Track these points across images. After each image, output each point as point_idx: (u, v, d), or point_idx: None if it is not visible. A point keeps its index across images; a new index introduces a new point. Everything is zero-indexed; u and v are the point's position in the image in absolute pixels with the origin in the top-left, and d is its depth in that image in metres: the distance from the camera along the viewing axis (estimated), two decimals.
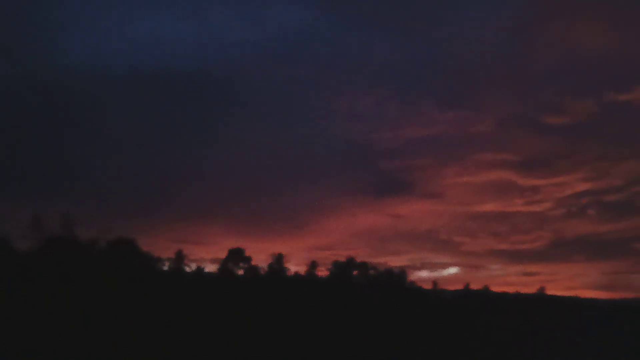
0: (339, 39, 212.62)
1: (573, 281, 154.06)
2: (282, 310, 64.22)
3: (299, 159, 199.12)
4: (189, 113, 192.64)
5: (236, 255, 79.28)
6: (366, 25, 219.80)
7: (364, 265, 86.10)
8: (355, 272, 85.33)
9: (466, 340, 62.47)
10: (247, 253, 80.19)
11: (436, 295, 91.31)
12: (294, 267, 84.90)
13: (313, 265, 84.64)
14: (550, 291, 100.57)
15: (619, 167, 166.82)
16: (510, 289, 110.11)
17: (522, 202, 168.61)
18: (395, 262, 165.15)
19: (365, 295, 79.11)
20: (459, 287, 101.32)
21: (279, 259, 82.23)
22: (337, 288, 79.07)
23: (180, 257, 74.71)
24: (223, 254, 78.99)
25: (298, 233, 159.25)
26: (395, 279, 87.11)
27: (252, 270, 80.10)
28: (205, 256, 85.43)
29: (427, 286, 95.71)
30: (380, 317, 68.10)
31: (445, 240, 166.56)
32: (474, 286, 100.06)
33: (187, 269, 75.03)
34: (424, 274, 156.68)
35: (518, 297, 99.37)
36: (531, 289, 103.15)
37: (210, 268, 78.83)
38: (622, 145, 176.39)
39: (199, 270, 77.10)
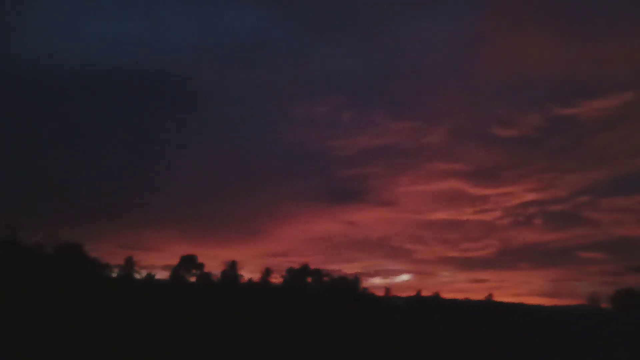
0: (295, 46, 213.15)
1: (519, 288, 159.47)
2: (235, 317, 63.59)
3: (254, 164, 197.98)
4: (142, 115, 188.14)
5: (188, 261, 78.18)
6: (323, 34, 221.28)
7: (318, 272, 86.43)
8: (309, 279, 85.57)
9: (417, 346, 63.52)
10: (200, 260, 79.74)
11: (389, 302, 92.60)
12: (248, 274, 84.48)
13: (267, 272, 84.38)
14: (498, 298, 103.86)
15: (563, 178, 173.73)
16: (460, 296, 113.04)
17: (472, 211, 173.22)
18: (349, 269, 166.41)
19: (319, 302, 79.40)
20: (411, 293, 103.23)
21: (232, 266, 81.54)
22: (291, 295, 79.01)
23: (130, 264, 73.07)
24: (175, 261, 78.35)
25: (252, 239, 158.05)
26: (349, 286, 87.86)
27: (205, 277, 79.13)
28: (157, 263, 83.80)
29: (380, 293, 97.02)
30: (334, 324, 68.42)
31: (398, 247, 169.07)
32: (426, 293, 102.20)
33: (137, 276, 73.53)
34: (377, 280, 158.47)
35: (467, 304, 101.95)
36: (480, 296, 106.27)
37: (162, 275, 77.63)
38: (566, 158, 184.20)
39: (150, 277, 75.59)
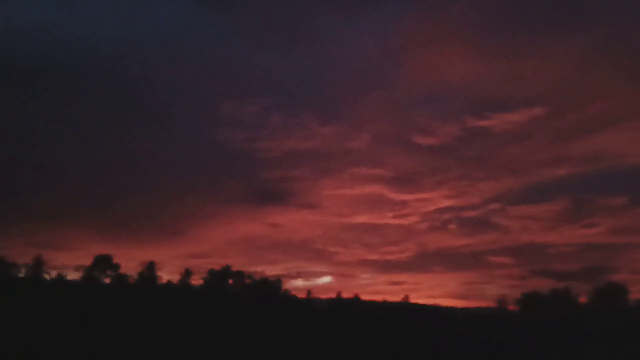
0: (224, 45, 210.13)
1: (434, 290, 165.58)
2: (151, 320, 61.74)
3: (177, 162, 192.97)
4: (59, 108, 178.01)
5: (103, 262, 75.30)
6: (253, 35, 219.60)
7: (239, 274, 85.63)
8: (230, 281, 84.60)
9: (337, 348, 64.45)
10: (116, 260, 77.29)
11: (309, 304, 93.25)
12: (167, 275, 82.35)
13: (187, 273, 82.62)
14: (414, 299, 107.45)
15: (476, 186, 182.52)
16: (378, 298, 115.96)
17: (392, 215, 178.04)
18: (271, 271, 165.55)
19: (240, 304, 78.67)
20: (332, 295, 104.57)
21: (150, 267, 79.25)
22: (211, 297, 77.73)
23: (38, 263, 69.48)
24: (88, 261, 75.42)
25: (173, 240, 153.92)
26: (271, 288, 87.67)
27: (120, 278, 76.40)
28: (68, 263, 79.93)
29: (302, 295, 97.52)
30: (255, 326, 68.00)
31: (320, 250, 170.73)
32: (346, 295, 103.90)
33: (47, 277, 69.97)
34: (299, 282, 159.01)
35: (385, 305, 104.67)
36: (397, 298, 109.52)
37: (74, 275, 74.28)
38: (479, 167, 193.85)
39: (61, 277, 72.06)
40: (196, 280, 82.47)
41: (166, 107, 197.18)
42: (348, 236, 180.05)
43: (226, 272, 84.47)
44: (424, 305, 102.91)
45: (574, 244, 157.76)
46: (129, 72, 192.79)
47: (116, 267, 76.29)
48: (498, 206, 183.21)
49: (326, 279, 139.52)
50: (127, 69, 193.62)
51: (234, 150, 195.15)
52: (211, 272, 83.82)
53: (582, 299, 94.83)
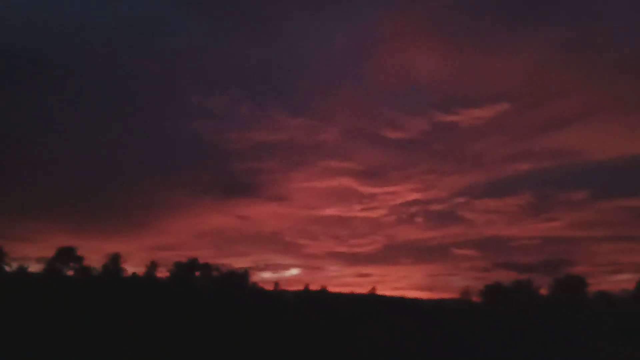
0: (193, 35, 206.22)
1: (400, 282, 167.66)
2: (116, 313, 60.89)
3: (143, 153, 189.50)
4: (19, 97, 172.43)
5: (66, 254, 73.95)
6: (222, 24, 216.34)
7: (206, 267, 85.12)
8: (197, 273, 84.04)
9: (303, 340, 64.76)
10: (79, 252, 76.00)
11: (277, 296, 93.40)
12: (132, 267, 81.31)
13: (153, 265, 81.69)
14: (380, 291, 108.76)
15: (443, 180, 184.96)
16: (346, 290, 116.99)
17: (360, 208, 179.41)
18: (239, 263, 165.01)
19: (207, 296, 78.25)
20: (299, 288, 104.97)
21: (115, 259, 78.13)
22: (177, 289, 77.09)
23: None
24: (51, 253, 73.93)
25: (139, 232, 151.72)
26: (238, 280, 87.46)
27: (84, 270, 75.14)
28: (30, 254, 78.14)
29: (269, 287, 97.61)
30: (221, 318, 67.79)
31: (289, 242, 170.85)
32: (313, 287, 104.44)
33: (7, 268, 68.39)
34: (266, 275, 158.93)
35: (352, 297, 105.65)
36: (364, 290, 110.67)
37: (35, 268, 72.73)
38: (446, 161, 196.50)
39: (22, 269, 70.49)
40: (162, 273, 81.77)
41: (133, 98, 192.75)
42: (316, 229, 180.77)
43: (193, 264, 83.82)
44: (390, 297, 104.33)
45: (536, 237, 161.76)
46: (95, 63, 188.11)
47: (80, 259, 75.08)
48: (464, 200, 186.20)
49: (294, 271, 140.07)
50: (93, 60, 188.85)
51: (202, 141, 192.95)
52: (177, 265, 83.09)
53: (543, 291, 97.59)
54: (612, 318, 69.82)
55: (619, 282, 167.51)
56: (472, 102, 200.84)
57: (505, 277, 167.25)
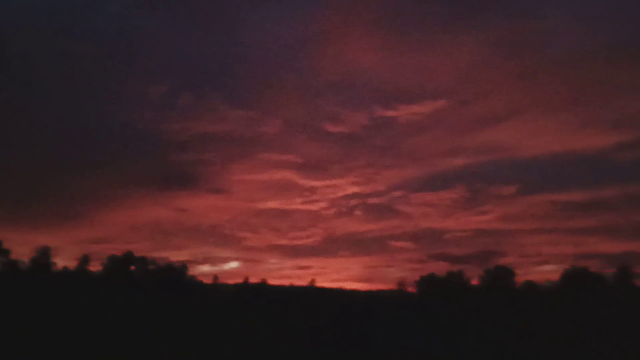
0: (130, 20, 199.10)
1: (339, 274, 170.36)
2: (44, 309, 58.41)
3: (77, 143, 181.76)
4: None
5: None
6: (163, 12, 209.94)
7: (142, 260, 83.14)
8: (132, 267, 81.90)
9: (242, 333, 64.56)
10: (6, 245, 73.09)
11: (216, 289, 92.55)
12: (63, 261, 78.44)
13: (85, 259, 79.02)
14: (320, 283, 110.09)
15: (382, 174, 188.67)
16: (285, 282, 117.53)
17: (301, 201, 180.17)
18: (177, 256, 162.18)
19: (143, 290, 76.46)
20: (239, 281, 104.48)
21: (44, 253, 75.07)
22: (111, 284, 74.83)
23: None
24: None
25: (70, 224, 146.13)
26: (176, 274, 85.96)
27: (11, 264, 71.86)
28: None
29: (208, 280, 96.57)
30: (158, 312, 66.44)
31: (229, 235, 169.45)
32: (253, 280, 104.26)
33: None
34: (205, 268, 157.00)
35: (291, 290, 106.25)
36: (304, 282, 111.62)
37: None
38: (385, 156, 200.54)
39: None
40: (95, 267, 79.26)
41: (65, 84, 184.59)
42: (257, 221, 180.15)
43: (128, 258, 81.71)
44: (329, 289, 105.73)
45: (468, 229, 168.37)
46: (22, 46, 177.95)
47: (6, 252, 72.02)
48: (401, 193, 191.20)
49: (233, 264, 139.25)
50: (26, 44, 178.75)
51: (139, 131, 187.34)
52: (111, 258, 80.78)
53: (474, 281, 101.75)
54: (538, 308, 73.75)
55: (545, 273, 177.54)
56: (411, 98, 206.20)
57: (439, 268, 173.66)
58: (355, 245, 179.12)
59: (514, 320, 63.35)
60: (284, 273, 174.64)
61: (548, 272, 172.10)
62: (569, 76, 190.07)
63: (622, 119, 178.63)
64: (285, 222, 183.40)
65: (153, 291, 75.87)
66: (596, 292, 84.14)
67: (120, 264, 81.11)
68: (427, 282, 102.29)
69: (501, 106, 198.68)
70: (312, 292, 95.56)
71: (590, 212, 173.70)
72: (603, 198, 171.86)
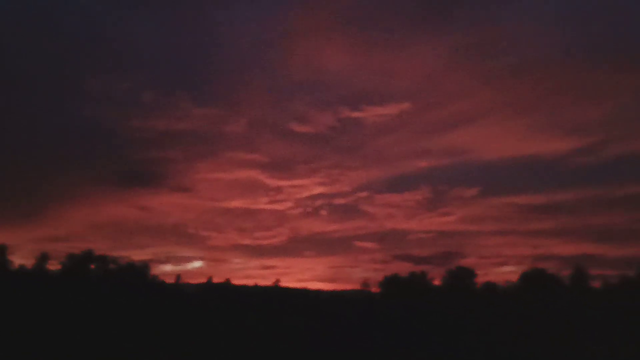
0: (94, 15, 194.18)
1: (304, 274, 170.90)
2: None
3: (36, 139, 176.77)
4: None
5: None
6: (129, 7, 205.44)
7: (103, 259, 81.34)
8: (92, 266, 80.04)
9: (205, 333, 63.81)
10: None
11: (178, 288, 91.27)
12: (20, 260, 76.13)
13: (43, 257, 76.81)
14: (284, 283, 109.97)
15: (347, 175, 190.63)
16: (250, 282, 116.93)
17: (267, 200, 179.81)
18: (139, 255, 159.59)
19: (102, 290, 74.73)
20: (202, 280, 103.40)
21: (1, 251, 72.61)
22: (69, 283, 72.89)
23: None
24: None
25: (28, 222, 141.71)
26: (137, 273, 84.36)
27: None
28: None
29: (170, 280, 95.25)
30: (118, 312, 65.02)
31: (192, 234, 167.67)
32: (217, 279, 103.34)
33: None
34: (168, 267, 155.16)
35: (256, 289, 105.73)
36: (268, 282, 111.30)
37: None
38: (351, 157, 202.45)
39: None
40: (54, 266, 77.16)
41: (26, 81, 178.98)
42: (221, 221, 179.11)
43: (88, 256, 79.85)
44: (293, 289, 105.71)
45: (431, 230, 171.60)
46: None
47: None
48: (366, 194, 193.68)
49: (197, 264, 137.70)
50: None
51: (102, 127, 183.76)
52: (71, 257, 78.84)
53: (436, 282, 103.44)
54: (497, 308, 75.44)
55: (504, 274, 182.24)
56: (377, 99, 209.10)
57: (403, 268, 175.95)
58: (320, 245, 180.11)
59: (475, 320, 64.73)
60: (248, 273, 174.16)
61: (507, 273, 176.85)
62: (531, 82, 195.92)
63: (579, 125, 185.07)
64: (250, 222, 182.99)
65: (113, 290, 74.31)
66: (553, 292, 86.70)
67: (80, 263, 79.20)
68: (391, 282, 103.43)
69: (465, 110, 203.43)
70: (276, 292, 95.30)
71: (548, 215, 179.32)
72: (560, 201, 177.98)
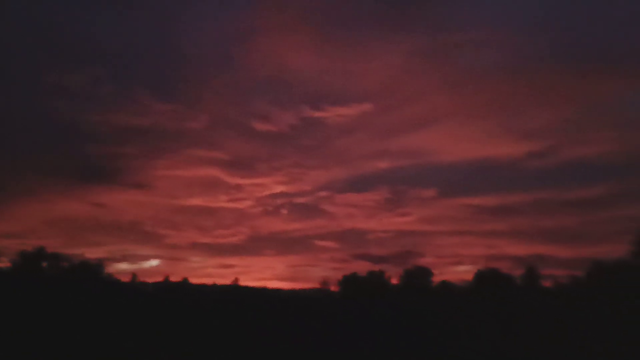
0: (48, 3, 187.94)
1: (263, 273, 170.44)
2: None
3: None
4: None
5: None
6: None
7: (55, 257, 78.91)
8: (44, 264, 77.53)
9: (162, 331, 62.78)
10: None
11: (134, 287, 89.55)
12: None
13: None
14: (243, 282, 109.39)
15: (308, 174, 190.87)
16: (208, 281, 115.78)
17: (227, 199, 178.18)
18: (93, 253, 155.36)
19: (56, 288, 72.55)
20: (159, 279, 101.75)
21: None
22: (20, 281, 70.45)
23: None
24: None
25: None
26: (91, 272, 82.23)
27: None
28: None
29: (126, 279, 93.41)
30: (70, 312, 63.27)
31: (150, 232, 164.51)
32: (174, 278, 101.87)
33: None
34: (123, 266, 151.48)
35: (214, 288, 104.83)
36: (227, 281, 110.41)
37: None
38: (312, 156, 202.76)
39: None
40: (3, 263, 74.46)
41: None
42: (180, 219, 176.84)
43: (39, 254, 77.31)
44: (252, 288, 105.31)
45: (390, 230, 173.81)
46: None
47: None
48: (327, 194, 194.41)
49: (154, 262, 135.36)
50: None
51: (56, 121, 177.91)
52: (22, 254, 76.17)
53: (394, 281, 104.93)
54: (452, 307, 77.09)
55: (459, 273, 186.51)
56: (339, 100, 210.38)
57: (362, 267, 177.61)
58: (280, 244, 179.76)
59: (432, 318, 65.97)
60: (206, 272, 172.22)
61: (463, 273, 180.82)
62: (487, 87, 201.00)
63: (533, 129, 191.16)
64: (209, 220, 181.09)
65: (66, 289, 72.24)
66: (506, 292, 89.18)
67: (31, 261, 76.59)
68: (350, 281, 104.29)
69: (424, 112, 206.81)
70: (235, 291, 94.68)
71: (502, 216, 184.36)
72: (513, 203, 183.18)
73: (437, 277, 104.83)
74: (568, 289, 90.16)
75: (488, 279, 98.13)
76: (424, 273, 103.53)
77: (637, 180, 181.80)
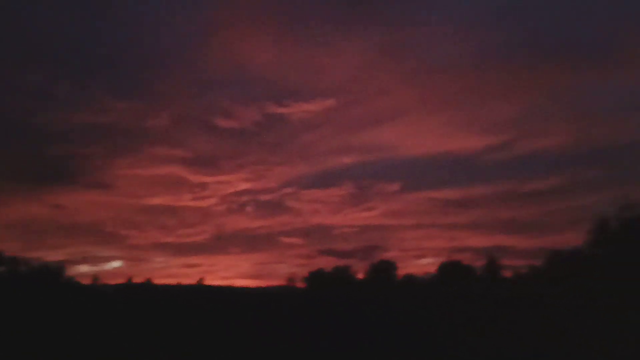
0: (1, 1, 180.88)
1: (228, 271, 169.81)
2: None
3: None
4: None
5: None
6: None
7: (12, 260, 76.69)
8: (1, 269, 75.16)
9: (125, 333, 61.62)
10: None
11: (96, 289, 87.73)
12: None
13: None
14: (209, 281, 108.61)
15: (273, 170, 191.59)
16: (172, 281, 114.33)
17: (190, 197, 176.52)
18: (52, 256, 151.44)
19: (13, 293, 70.46)
20: (122, 281, 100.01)
21: None
22: None
23: None
24: None
25: None
26: (51, 275, 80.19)
27: None
28: None
29: (87, 281, 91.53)
30: (29, 316, 61.46)
31: (111, 233, 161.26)
32: (137, 279, 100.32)
33: None
34: (84, 268, 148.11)
35: (178, 289, 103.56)
36: (192, 280, 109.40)
37: None
38: (276, 152, 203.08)
39: None
40: None
41: None
42: (142, 218, 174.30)
43: None
44: (218, 287, 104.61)
45: (355, 225, 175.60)
46: None
47: None
48: (292, 190, 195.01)
49: (116, 264, 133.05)
50: None
51: (10, 121, 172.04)
52: None
53: (360, 275, 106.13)
54: (417, 298, 78.47)
55: (423, 265, 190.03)
56: (302, 95, 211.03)
57: (328, 263, 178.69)
58: (245, 241, 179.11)
59: (397, 312, 66.96)
60: (170, 272, 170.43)
61: (426, 265, 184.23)
62: (447, 81, 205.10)
63: (493, 123, 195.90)
64: (173, 219, 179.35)
65: (24, 293, 70.20)
66: (469, 283, 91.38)
67: None
68: (316, 277, 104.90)
69: (387, 107, 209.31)
70: (200, 291, 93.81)
71: (463, 209, 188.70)
72: (474, 196, 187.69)
73: (402, 271, 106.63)
74: (526, 279, 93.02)
75: (451, 271, 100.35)
76: (389, 267, 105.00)
77: (592, 171, 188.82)
